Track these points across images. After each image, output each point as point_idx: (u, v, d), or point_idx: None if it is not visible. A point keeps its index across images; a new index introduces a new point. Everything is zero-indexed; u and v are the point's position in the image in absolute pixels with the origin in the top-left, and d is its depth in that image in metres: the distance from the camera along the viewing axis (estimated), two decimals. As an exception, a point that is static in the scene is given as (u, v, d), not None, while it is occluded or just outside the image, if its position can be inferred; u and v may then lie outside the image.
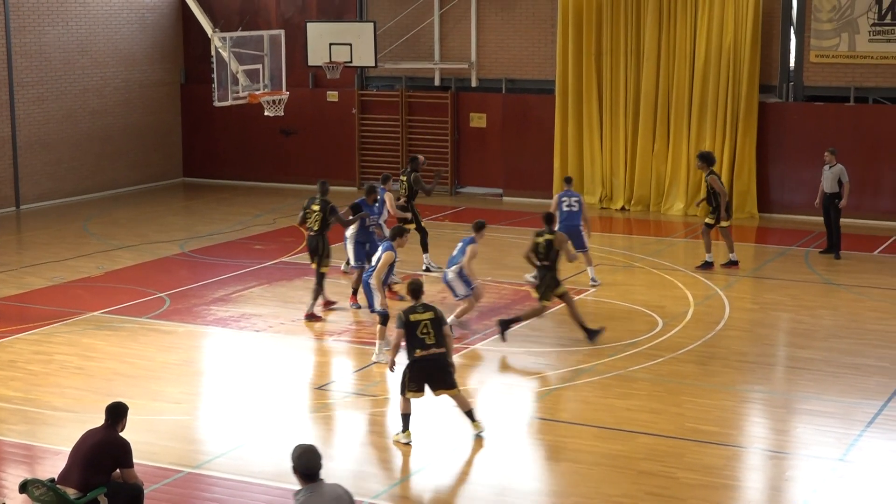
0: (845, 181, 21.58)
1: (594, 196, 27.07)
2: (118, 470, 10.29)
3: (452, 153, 28.67)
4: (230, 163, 30.88)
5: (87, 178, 28.73)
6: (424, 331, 12.67)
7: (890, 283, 19.94)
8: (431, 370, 12.75)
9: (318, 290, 17.79)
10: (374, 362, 15.61)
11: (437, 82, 28.99)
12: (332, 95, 29.68)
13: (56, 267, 21.26)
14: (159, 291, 19.43)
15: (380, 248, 15.80)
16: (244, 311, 18.29)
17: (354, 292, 18.32)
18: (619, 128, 26.75)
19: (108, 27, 28.80)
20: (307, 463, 8.30)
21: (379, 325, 15.67)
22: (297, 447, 8.40)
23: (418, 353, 12.70)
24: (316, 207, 17.90)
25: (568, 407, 14.17)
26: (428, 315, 12.74)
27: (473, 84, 28.57)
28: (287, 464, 12.37)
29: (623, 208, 26.86)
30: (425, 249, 20.66)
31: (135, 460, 10.40)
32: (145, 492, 10.64)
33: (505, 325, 16.50)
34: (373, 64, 26.95)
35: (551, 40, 27.41)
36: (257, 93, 22.72)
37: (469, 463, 12.46)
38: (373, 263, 15.85)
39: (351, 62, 26.59)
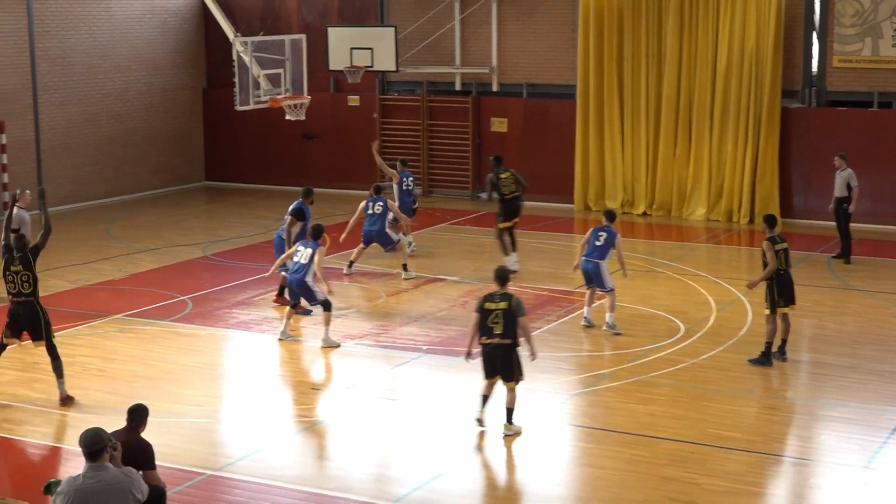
0: (854, 185, 21.51)
1: (616, 201, 27.00)
2: (140, 472, 10.29)
3: (473, 157, 28.64)
4: (251, 167, 30.92)
5: (109, 181, 28.81)
6: (495, 320, 12.89)
7: (913, 289, 19.83)
8: (495, 359, 13.03)
9: (59, 364, 14.36)
10: (324, 347, 16.47)
11: (458, 87, 28.97)
12: (353, 100, 29.69)
13: (79, 270, 21.31)
14: (181, 294, 19.46)
15: (308, 249, 16.59)
16: (266, 314, 18.29)
17: (281, 292, 18.72)
18: (641, 132, 26.68)
19: (131, 32, 28.88)
20: (85, 441, 8.60)
21: (324, 312, 16.57)
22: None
23: (483, 339, 13.02)
24: (18, 267, 14.29)
25: (589, 412, 14.12)
26: (502, 305, 12.92)
27: (494, 88, 28.53)
28: (308, 467, 12.41)
29: (644, 213, 26.78)
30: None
31: (157, 462, 10.40)
32: (167, 494, 10.64)
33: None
34: (394, 68, 26.94)
35: (572, 45, 27.36)
36: (279, 97, 22.75)
37: (490, 467, 12.42)
38: (300, 262, 16.52)
39: (372, 67, 26.58)
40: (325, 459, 12.68)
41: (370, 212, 20.57)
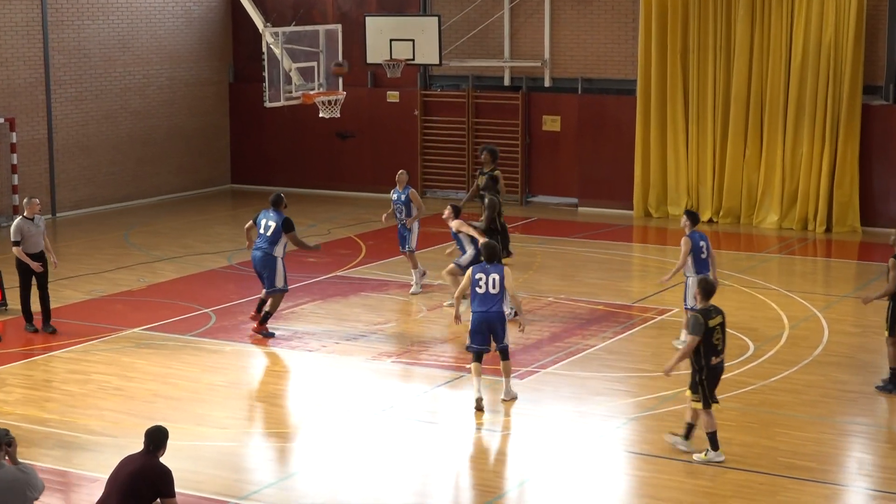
0: None
1: (679, 207, 26.92)
2: (158, 500, 10.37)
3: (523, 159, 28.66)
4: (282, 168, 31.08)
5: (127, 184, 29.06)
6: (718, 336, 13.00)
7: None
8: (719, 379, 13.15)
9: None
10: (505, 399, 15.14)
11: (506, 82, 29.01)
12: (393, 96, 29.80)
13: (94, 279, 21.50)
14: (205, 307, 19.58)
15: (496, 274, 14.70)
16: (296, 328, 18.39)
17: (266, 317, 18.03)
18: (707, 132, 26.60)
19: (152, 21, 29.14)
20: None
21: (504, 361, 15.02)
22: None
23: (714, 360, 13.01)
24: None
25: (649, 438, 14.08)
26: (719, 319, 13.05)
27: (546, 84, 28.55)
28: (340, 496, 12.46)
29: (711, 220, 26.69)
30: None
31: (177, 490, 10.47)
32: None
33: None
34: (437, 62, 27.00)
35: (632, 36, 27.34)
36: (312, 92, 22.84)
37: (540, 497, 12.43)
38: (490, 292, 14.63)
39: (413, 60, 26.66)
40: (359, 487, 12.72)
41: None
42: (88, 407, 14.96)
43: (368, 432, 14.27)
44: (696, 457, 13.18)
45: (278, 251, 17.96)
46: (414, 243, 20.37)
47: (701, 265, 16.57)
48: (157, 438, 10.47)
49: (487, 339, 14.83)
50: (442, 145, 29.48)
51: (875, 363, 16.32)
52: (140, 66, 29.01)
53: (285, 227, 17.90)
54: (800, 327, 18.38)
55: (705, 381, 13.01)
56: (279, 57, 22.38)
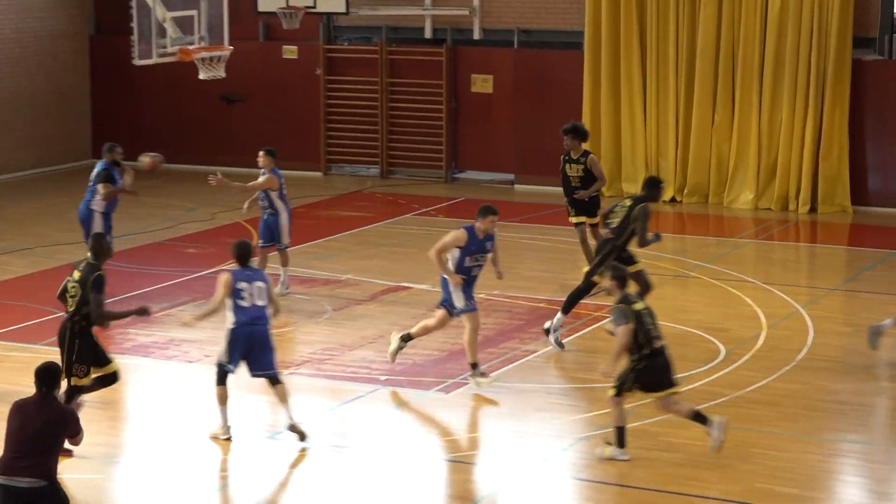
0: None
1: (635, 183, 27.04)
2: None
3: (448, 127, 28.65)
4: (157, 139, 30.77)
5: (-34, 159, 28.79)
6: (650, 320, 13.69)
7: None
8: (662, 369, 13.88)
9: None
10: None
11: (428, 34, 29.00)
12: (290, 51, 29.69)
13: (-75, 277, 21.25)
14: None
15: (259, 281, 14.76)
16: (173, 335, 18.28)
17: None
18: (669, 94, 26.74)
19: (-5, -39, 28.87)
20: None
21: (274, 386, 14.65)
22: None
23: (657, 344, 13.71)
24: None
25: (599, 462, 14.14)
26: (644, 303, 13.91)
27: (476, 36, 28.57)
28: (229, 537, 12.43)
29: (673, 199, 26.85)
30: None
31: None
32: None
33: None
34: (343, 10, 26.92)
35: (579, -22, 27.46)
36: (190, 47, 22.69)
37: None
38: (257, 304, 14.66)
39: (314, 7, 26.55)
40: (250, 526, 12.70)
41: None
42: (-82, 433, 14.76)
43: (262, 459, 14.20)
44: (597, 451, 13.90)
45: (96, 204, 19.83)
46: (287, 238, 20.12)
47: None
48: (49, 377, 10.87)
49: (242, 358, 14.59)
50: (350, 110, 29.40)
51: (869, 369, 16.47)
52: (-20, 16, 28.72)
53: (99, 176, 19.80)
54: (780, 326, 18.52)
55: (639, 370, 13.67)
56: (151, 4, 22.21)
